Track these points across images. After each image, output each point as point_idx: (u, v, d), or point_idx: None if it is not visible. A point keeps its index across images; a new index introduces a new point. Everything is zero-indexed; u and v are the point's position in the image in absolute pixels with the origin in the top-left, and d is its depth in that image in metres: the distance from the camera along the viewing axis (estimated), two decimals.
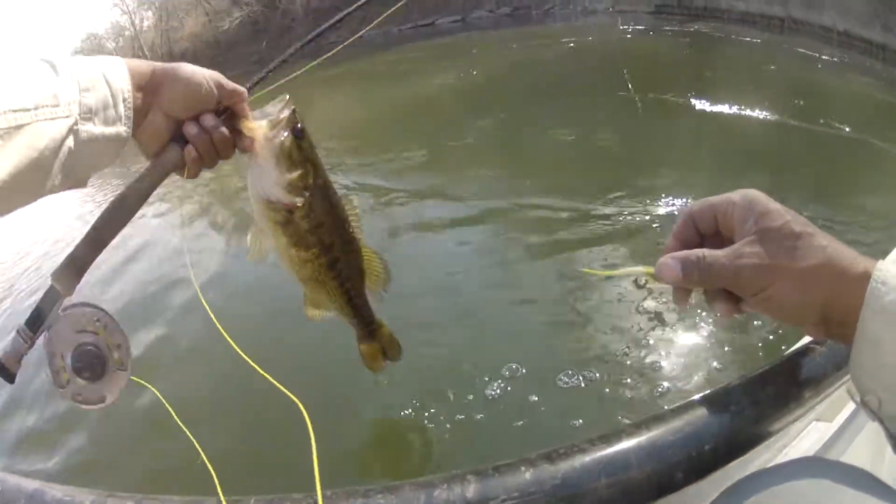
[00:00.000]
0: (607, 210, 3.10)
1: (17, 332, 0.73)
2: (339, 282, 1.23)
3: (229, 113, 0.91)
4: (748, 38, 8.36)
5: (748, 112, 4.69)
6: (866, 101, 5.28)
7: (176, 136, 0.86)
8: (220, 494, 0.57)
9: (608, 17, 12.73)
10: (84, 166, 0.76)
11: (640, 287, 2.22)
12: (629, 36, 9.84)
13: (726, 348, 1.95)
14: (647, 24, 10.63)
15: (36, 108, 0.67)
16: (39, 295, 0.76)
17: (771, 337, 1.90)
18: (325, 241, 1.17)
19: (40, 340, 0.74)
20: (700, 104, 4.98)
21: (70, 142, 0.71)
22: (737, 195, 0.59)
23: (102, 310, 0.76)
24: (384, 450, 1.85)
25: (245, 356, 1.17)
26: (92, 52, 31.05)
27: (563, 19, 14.80)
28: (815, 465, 0.61)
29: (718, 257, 0.57)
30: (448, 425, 1.79)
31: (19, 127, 0.65)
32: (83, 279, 0.79)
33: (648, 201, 3.10)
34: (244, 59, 24.37)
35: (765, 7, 8.73)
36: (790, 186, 3.17)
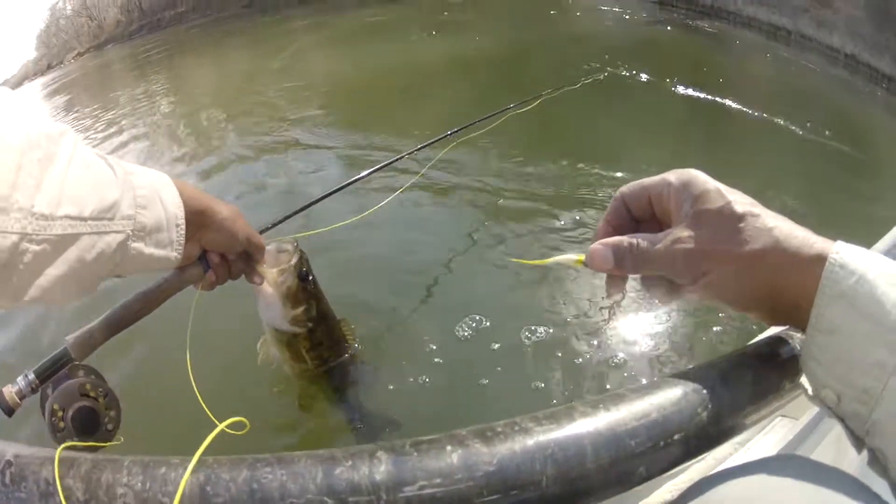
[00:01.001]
0: (579, 189, 3.07)
1: (26, 376, 0.81)
2: (331, 383, 1.51)
3: (246, 253, 1.08)
4: (751, 43, 8.29)
5: (728, 103, 4.69)
6: (867, 119, 5.28)
7: (200, 257, 0.98)
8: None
9: (614, 1, 12.33)
10: (126, 272, 0.76)
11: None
12: (616, 24, 9.63)
13: (713, 324, 1.90)
14: (649, 13, 10.41)
15: (91, 219, 0.64)
16: None
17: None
18: (324, 356, 1.44)
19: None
20: (684, 91, 4.95)
21: (118, 257, 0.69)
22: (672, 175, 0.54)
23: (105, 382, 0.87)
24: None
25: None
26: None
27: None
28: (796, 464, 0.54)
29: (652, 243, 0.53)
30: (411, 378, 1.75)
31: (73, 236, 0.62)
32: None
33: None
34: (234, 2, 23.67)
35: (773, 17, 8.60)
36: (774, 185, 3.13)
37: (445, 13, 10.92)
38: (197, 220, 0.86)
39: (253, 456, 0.44)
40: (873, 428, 0.45)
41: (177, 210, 0.79)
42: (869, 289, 0.44)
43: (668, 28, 9.10)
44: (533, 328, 1.89)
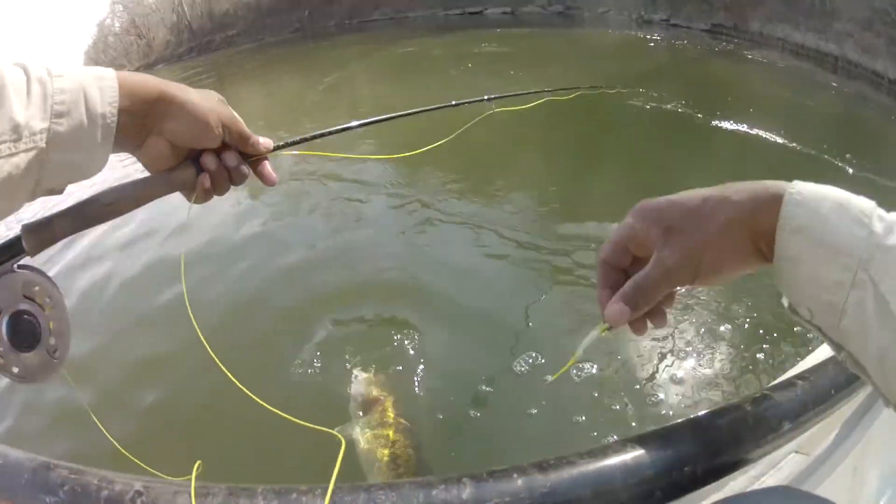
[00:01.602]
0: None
1: None
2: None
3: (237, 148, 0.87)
4: (799, 71, 8.31)
5: (768, 135, 4.76)
6: None
7: (192, 157, 0.82)
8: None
9: (663, 30, 12.25)
10: (57, 183, 0.70)
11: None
12: (665, 53, 9.61)
13: (737, 369, 2.01)
14: (699, 41, 10.35)
15: None
16: None
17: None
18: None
19: None
20: (728, 125, 5.03)
21: (35, 172, 0.65)
22: (630, 217, 0.62)
23: (57, 289, 0.73)
24: None
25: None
26: (129, 4, 30.98)
27: (618, 27, 13.52)
28: (784, 494, 0.67)
29: (646, 273, 0.60)
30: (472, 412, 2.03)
31: None
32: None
33: None
34: (285, 26, 24.18)
35: (820, 43, 8.57)
36: None
37: (484, 45, 11.12)
38: (153, 109, 0.75)
39: (366, 483, 0.60)
40: (844, 334, 0.53)
41: (106, 108, 0.69)
42: (822, 222, 0.51)
43: (715, 58, 9.07)
44: (581, 365, 2.05)
